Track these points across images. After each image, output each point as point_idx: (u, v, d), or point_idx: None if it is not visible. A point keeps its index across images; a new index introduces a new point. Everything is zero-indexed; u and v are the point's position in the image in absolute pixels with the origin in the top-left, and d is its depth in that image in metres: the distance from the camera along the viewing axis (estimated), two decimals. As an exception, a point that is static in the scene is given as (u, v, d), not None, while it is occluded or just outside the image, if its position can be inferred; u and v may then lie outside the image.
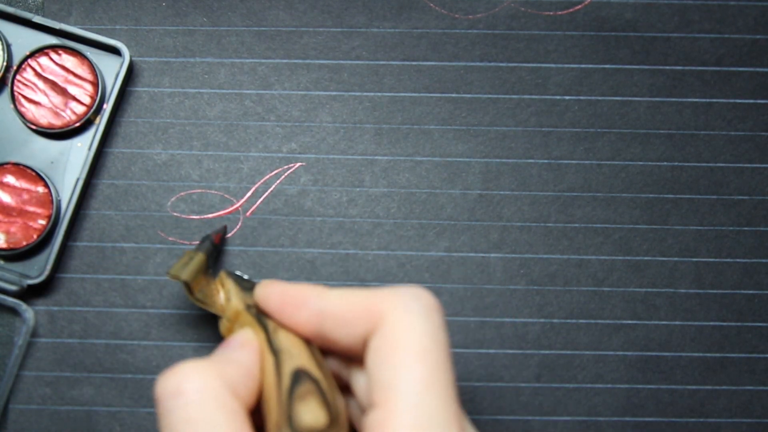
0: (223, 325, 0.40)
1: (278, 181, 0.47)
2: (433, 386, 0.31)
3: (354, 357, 0.35)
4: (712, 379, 0.46)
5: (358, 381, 0.35)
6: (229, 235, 0.46)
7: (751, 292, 0.47)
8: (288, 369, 0.34)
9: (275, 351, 0.35)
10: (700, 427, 0.46)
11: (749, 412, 0.46)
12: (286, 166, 0.47)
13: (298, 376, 0.33)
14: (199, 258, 0.42)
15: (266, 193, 0.47)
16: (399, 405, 0.31)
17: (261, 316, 0.37)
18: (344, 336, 0.34)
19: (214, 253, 0.44)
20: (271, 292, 0.37)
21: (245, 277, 0.42)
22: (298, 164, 0.47)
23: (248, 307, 0.39)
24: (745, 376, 0.46)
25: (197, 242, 0.46)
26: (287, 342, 0.35)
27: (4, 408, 0.45)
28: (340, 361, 0.36)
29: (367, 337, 0.33)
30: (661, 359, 0.46)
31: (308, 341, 0.36)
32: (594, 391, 0.46)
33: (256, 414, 0.35)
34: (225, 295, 0.41)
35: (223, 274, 0.42)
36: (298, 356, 0.35)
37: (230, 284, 0.41)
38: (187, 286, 0.41)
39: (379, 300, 0.33)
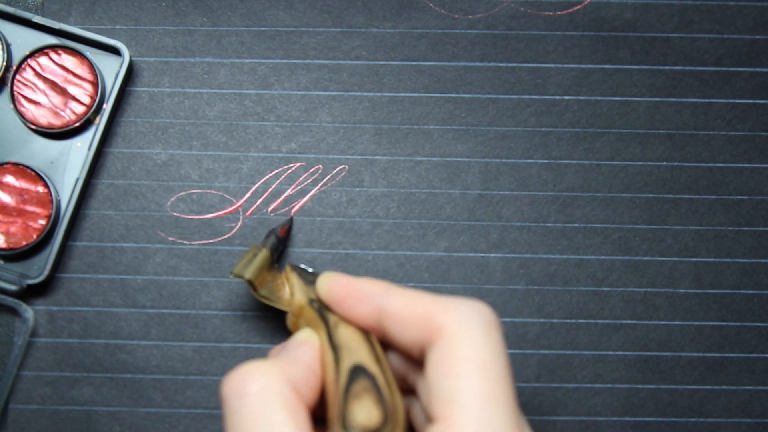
0: (290, 320, 0.40)
1: (278, 181, 0.47)
2: (495, 401, 0.32)
3: (413, 357, 0.35)
4: (712, 379, 0.46)
5: (420, 385, 0.35)
6: (228, 235, 0.46)
7: (750, 292, 0.47)
8: (346, 365, 0.34)
9: (335, 347, 0.35)
10: (699, 427, 0.46)
11: (749, 412, 0.46)
12: (285, 166, 0.47)
13: (356, 372, 0.33)
14: (263, 255, 0.42)
15: (266, 193, 0.47)
16: (462, 419, 0.31)
17: (323, 310, 0.37)
18: (401, 336, 0.34)
19: (279, 246, 0.44)
20: (333, 285, 0.37)
21: (310, 270, 0.42)
22: (298, 164, 0.47)
23: (311, 301, 0.39)
24: (744, 376, 0.46)
25: (198, 241, 0.46)
26: (347, 337, 0.35)
27: (4, 408, 0.45)
28: (402, 359, 0.36)
29: (425, 345, 0.34)
30: (660, 359, 0.46)
31: (369, 335, 0.36)
32: (594, 391, 0.46)
33: (320, 408, 0.35)
34: (290, 290, 0.41)
35: (288, 268, 0.42)
36: (357, 351, 0.35)
37: (294, 278, 0.41)
38: (251, 284, 0.41)
39: (440, 310, 0.34)
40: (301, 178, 0.47)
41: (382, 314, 0.35)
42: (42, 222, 0.45)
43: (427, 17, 0.48)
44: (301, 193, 0.47)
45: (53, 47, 0.46)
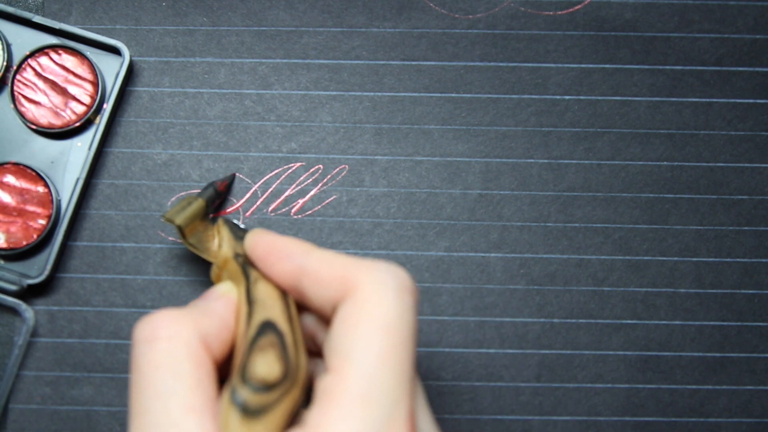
0: (213, 272, 0.40)
1: (278, 181, 0.47)
2: (390, 362, 0.32)
3: (326, 318, 0.35)
4: (712, 379, 0.46)
5: (325, 342, 0.35)
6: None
7: (751, 291, 0.47)
8: (257, 319, 0.34)
9: (251, 301, 0.35)
10: (700, 427, 0.46)
11: (749, 411, 0.46)
12: (285, 166, 0.47)
13: (265, 327, 0.34)
14: (198, 204, 0.43)
15: (266, 193, 0.47)
16: (352, 373, 0.31)
17: (247, 265, 0.38)
18: (318, 295, 0.34)
19: (217, 200, 0.45)
20: (259, 241, 0.37)
21: (242, 226, 0.42)
22: (298, 164, 0.47)
23: (236, 256, 0.39)
24: (745, 375, 0.46)
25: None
26: (264, 293, 0.36)
27: (4, 408, 0.45)
28: (317, 321, 0.37)
29: (338, 303, 0.34)
30: (661, 359, 0.46)
31: (286, 295, 0.36)
32: (594, 391, 0.46)
33: (229, 364, 0.35)
34: (218, 242, 0.41)
35: (220, 221, 0.42)
36: (270, 308, 0.35)
37: (225, 232, 0.41)
38: (180, 230, 0.41)
39: (357, 269, 0.34)
40: (302, 178, 0.47)
41: (302, 273, 0.35)
42: (42, 222, 0.45)
43: (427, 17, 0.48)
44: (302, 193, 0.47)
45: (53, 47, 0.46)
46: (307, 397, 0.33)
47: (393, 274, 0.34)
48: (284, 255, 0.36)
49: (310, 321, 0.37)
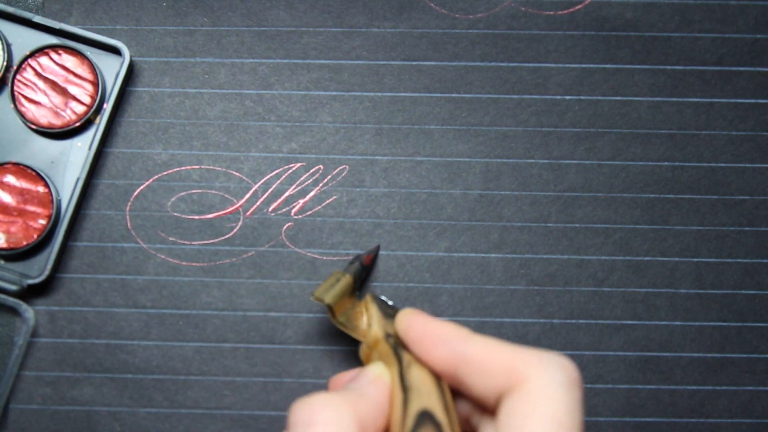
0: (363, 351, 0.39)
1: (278, 181, 0.47)
2: None
3: (484, 406, 0.35)
4: (713, 379, 0.46)
5: (486, 429, 0.35)
6: (229, 235, 0.46)
7: (751, 292, 0.47)
8: (414, 409, 0.33)
9: (405, 387, 0.34)
10: (700, 427, 0.46)
11: (749, 412, 0.46)
12: (286, 166, 0.47)
13: (422, 418, 0.33)
14: (346, 280, 0.42)
15: (266, 193, 0.47)
16: None
17: (398, 347, 0.37)
18: (479, 384, 0.34)
19: (363, 273, 0.44)
20: (412, 324, 0.36)
21: (390, 302, 0.41)
22: (299, 164, 0.47)
23: (387, 336, 0.38)
24: (745, 376, 0.46)
25: (198, 242, 0.46)
26: (419, 379, 0.35)
27: (4, 408, 0.45)
28: (471, 405, 0.36)
29: (502, 393, 0.33)
30: (661, 359, 0.46)
31: (441, 380, 0.35)
32: (594, 391, 0.46)
33: None
34: (367, 320, 0.40)
35: (368, 298, 0.41)
36: (426, 396, 0.34)
37: (374, 309, 0.40)
38: (330, 309, 0.40)
39: (524, 360, 0.33)
40: (302, 179, 0.47)
41: (462, 360, 0.34)
42: (42, 222, 0.45)
43: (427, 17, 0.48)
44: (302, 194, 0.47)
45: (54, 47, 0.46)
46: None
47: (561, 366, 0.33)
48: (441, 340, 0.35)
49: (462, 404, 0.36)
